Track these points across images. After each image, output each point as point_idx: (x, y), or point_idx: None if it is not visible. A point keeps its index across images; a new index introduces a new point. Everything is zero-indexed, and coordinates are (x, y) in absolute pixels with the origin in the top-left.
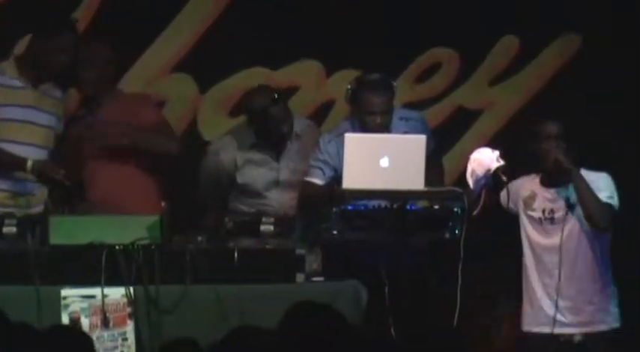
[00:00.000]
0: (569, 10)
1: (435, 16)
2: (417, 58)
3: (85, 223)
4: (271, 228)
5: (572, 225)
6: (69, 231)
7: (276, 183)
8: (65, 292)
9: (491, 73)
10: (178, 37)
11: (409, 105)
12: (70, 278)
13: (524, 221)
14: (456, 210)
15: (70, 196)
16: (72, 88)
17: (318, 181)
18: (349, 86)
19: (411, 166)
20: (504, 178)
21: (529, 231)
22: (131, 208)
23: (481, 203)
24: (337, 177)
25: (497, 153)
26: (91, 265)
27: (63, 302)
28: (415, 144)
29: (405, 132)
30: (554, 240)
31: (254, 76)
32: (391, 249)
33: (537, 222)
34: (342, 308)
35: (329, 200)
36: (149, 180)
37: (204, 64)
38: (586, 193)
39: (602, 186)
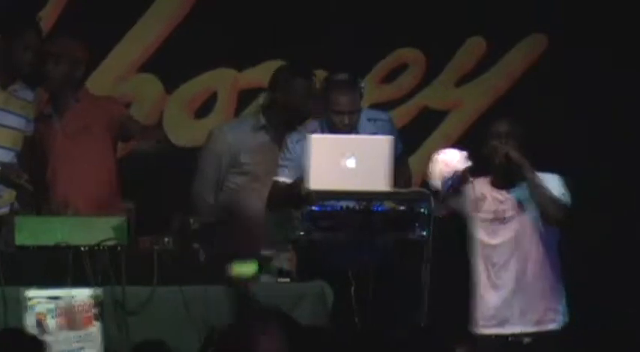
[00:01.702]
0: (536, 11)
1: (401, 16)
2: (383, 59)
3: (51, 224)
4: None
5: (523, 224)
6: (35, 231)
7: (276, 170)
8: (31, 293)
9: (458, 74)
10: (144, 37)
11: (375, 106)
12: (35, 279)
13: (473, 222)
14: (422, 210)
15: (35, 198)
16: (40, 88)
17: (287, 180)
18: (317, 85)
19: (377, 167)
20: (471, 179)
21: (478, 232)
22: (95, 209)
23: (447, 204)
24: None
25: (464, 153)
26: (57, 266)
27: (29, 303)
28: (382, 145)
29: (373, 133)
30: (504, 239)
31: (220, 77)
32: (357, 249)
33: (487, 223)
34: (308, 308)
35: (295, 200)
36: (113, 180)
37: (170, 65)
38: (538, 188)
39: (554, 185)
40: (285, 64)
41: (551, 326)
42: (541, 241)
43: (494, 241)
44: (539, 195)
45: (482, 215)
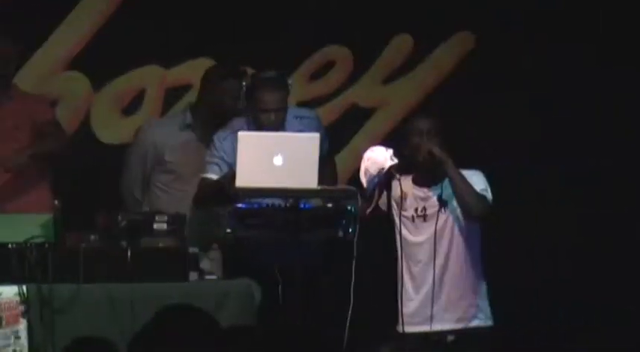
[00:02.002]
0: (463, 9)
1: (328, 13)
2: (310, 56)
3: None
4: (164, 226)
5: (445, 221)
6: None
7: (203, 170)
8: None
9: (385, 71)
10: (72, 34)
11: (303, 104)
12: None
13: (396, 221)
14: (349, 208)
15: None
16: None
17: (215, 177)
18: (244, 83)
19: (304, 164)
20: (398, 176)
21: (401, 230)
22: (22, 206)
23: (374, 201)
24: (233, 174)
25: (390, 151)
26: None
27: None
28: (309, 143)
29: (300, 131)
30: (426, 236)
31: (147, 74)
32: (285, 247)
33: (409, 221)
34: (234, 306)
35: (222, 197)
36: (40, 177)
37: (98, 62)
38: (461, 183)
39: (476, 181)
40: (215, 63)
41: (475, 323)
42: (462, 238)
43: (416, 239)
44: (462, 190)
45: (404, 212)
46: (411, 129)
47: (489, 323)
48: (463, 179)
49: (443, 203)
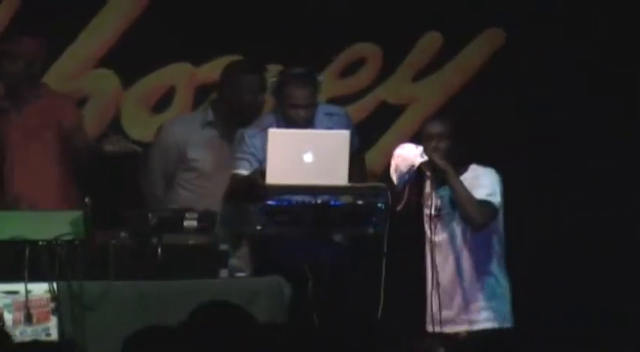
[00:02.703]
0: (493, 6)
1: (358, 10)
2: (340, 54)
3: (7, 218)
4: (194, 223)
5: (457, 222)
6: None
7: (225, 167)
8: None
9: (415, 69)
10: (101, 32)
11: (332, 101)
12: None
13: (425, 218)
14: (379, 205)
15: None
16: None
17: (246, 173)
18: (274, 79)
19: (334, 161)
20: (428, 174)
21: (427, 229)
22: (51, 202)
23: (405, 199)
24: (264, 170)
25: (420, 148)
26: (13, 261)
27: None
28: (339, 140)
29: (329, 128)
30: (443, 237)
31: (177, 72)
32: (314, 244)
33: (430, 219)
34: (264, 304)
35: (252, 192)
36: (68, 175)
37: (127, 60)
38: (462, 193)
39: (485, 182)
40: (235, 59)
41: (487, 325)
42: (473, 241)
43: (436, 238)
44: (463, 200)
45: (427, 211)
46: (423, 134)
47: (504, 325)
48: (464, 189)
49: (453, 205)
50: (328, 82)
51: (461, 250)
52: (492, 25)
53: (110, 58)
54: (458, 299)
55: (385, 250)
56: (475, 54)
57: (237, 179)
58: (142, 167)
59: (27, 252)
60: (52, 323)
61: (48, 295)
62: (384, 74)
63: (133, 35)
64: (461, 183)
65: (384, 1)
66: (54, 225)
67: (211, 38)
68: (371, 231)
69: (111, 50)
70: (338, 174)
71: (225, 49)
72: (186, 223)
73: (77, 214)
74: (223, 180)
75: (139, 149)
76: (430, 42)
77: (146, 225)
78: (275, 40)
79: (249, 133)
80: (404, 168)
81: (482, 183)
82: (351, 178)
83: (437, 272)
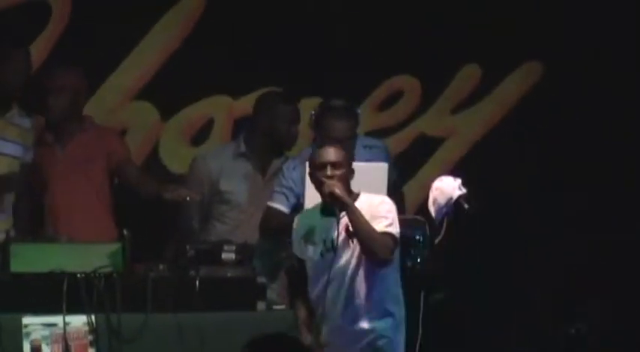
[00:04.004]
0: (531, 38)
1: (396, 43)
2: (378, 86)
3: (46, 251)
4: (232, 256)
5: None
6: (30, 258)
7: (259, 199)
8: (27, 320)
9: (453, 101)
10: (140, 64)
11: (371, 133)
12: (31, 307)
13: None
14: (417, 237)
15: (32, 225)
16: (37, 115)
17: (282, 207)
18: (313, 112)
19: (372, 194)
20: (466, 206)
21: None
22: (90, 235)
23: (443, 231)
24: (301, 204)
25: (459, 181)
26: (52, 293)
27: (24, 330)
28: (377, 172)
29: (368, 160)
30: None
31: (216, 104)
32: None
33: None
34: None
35: (286, 227)
36: (109, 208)
37: (166, 92)
38: (362, 228)
39: (382, 211)
40: (268, 90)
41: None
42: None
43: None
44: (363, 235)
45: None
46: (314, 163)
47: None
48: (364, 224)
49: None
50: (367, 114)
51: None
52: (531, 59)
53: (149, 90)
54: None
55: (424, 283)
56: (513, 87)
57: (271, 213)
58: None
59: (65, 284)
60: None
61: (86, 327)
62: (423, 106)
63: (171, 67)
64: (362, 216)
65: (423, 33)
66: (93, 257)
67: (250, 70)
68: (409, 263)
69: (150, 82)
70: None
71: (264, 82)
72: (224, 255)
73: (116, 247)
74: (257, 212)
75: (195, 196)
76: (469, 74)
77: (184, 258)
78: (314, 73)
79: (288, 166)
80: (442, 200)
81: (379, 211)
82: None
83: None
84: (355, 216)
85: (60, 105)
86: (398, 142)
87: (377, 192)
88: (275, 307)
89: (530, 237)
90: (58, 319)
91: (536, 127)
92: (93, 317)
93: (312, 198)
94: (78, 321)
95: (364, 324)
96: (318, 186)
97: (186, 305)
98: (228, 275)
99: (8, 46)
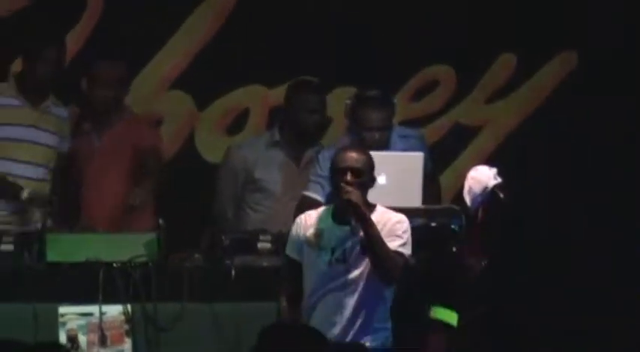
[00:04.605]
0: (567, 28)
1: (432, 33)
2: (414, 76)
3: (82, 240)
4: (268, 245)
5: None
6: (66, 248)
7: (293, 188)
8: (63, 309)
9: (489, 91)
10: (176, 54)
11: (406, 123)
12: (67, 296)
13: None
14: (453, 227)
15: (69, 215)
16: (73, 105)
17: (317, 196)
18: (348, 101)
19: (408, 184)
20: (502, 195)
21: None
22: (128, 225)
23: (478, 220)
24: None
25: (494, 170)
26: (88, 283)
27: (60, 319)
28: (413, 162)
29: (404, 150)
30: None
31: (251, 94)
32: None
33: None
34: None
35: None
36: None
37: (202, 82)
38: (376, 245)
39: (399, 230)
40: (296, 79)
41: None
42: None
43: None
44: (376, 252)
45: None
46: (335, 164)
47: None
48: (379, 239)
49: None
50: (402, 104)
51: None
52: (566, 48)
53: (185, 80)
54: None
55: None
56: (549, 76)
57: (306, 202)
58: (213, 189)
59: (101, 274)
60: (127, 345)
61: (122, 317)
62: (458, 96)
63: (207, 57)
64: (378, 231)
65: (458, 23)
66: (128, 247)
67: (285, 60)
68: (445, 252)
69: (185, 72)
70: (412, 196)
71: (299, 71)
72: (259, 245)
73: (151, 236)
74: (292, 201)
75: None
76: (504, 64)
77: (220, 247)
78: (349, 63)
79: (323, 155)
80: (477, 190)
81: (396, 231)
82: (424, 200)
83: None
84: (372, 230)
85: (105, 97)
86: (433, 132)
87: (413, 181)
88: None
89: (566, 231)
90: (94, 308)
91: (571, 117)
92: (129, 306)
93: None
94: (114, 311)
95: (366, 340)
96: (336, 190)
97: (222, 295)
98: (264, 264)
99: (42, 40)
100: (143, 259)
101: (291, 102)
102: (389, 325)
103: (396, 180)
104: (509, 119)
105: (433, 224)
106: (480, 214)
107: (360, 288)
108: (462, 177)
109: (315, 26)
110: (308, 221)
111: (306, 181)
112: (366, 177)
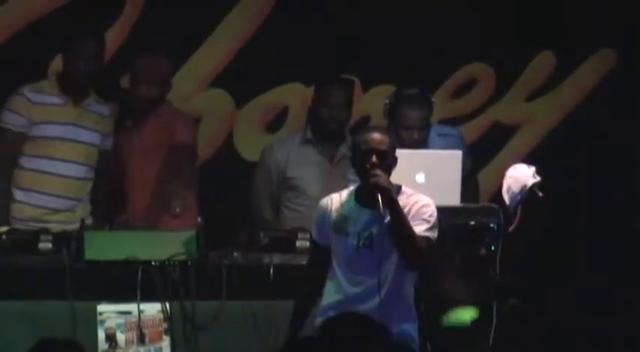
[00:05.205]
0: (605, 26)
1: (470, 31)
2: (453, 74)
3: (121, 239)
4: (307, 243)
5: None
6: (104, 246)
7: (327, 185)
8: (101, 308)
9: (528, 89)
10: (215, 52)
11: (445, 121)
12: (105, 294)
13: None
14: (491, 226)
15: (112, 213)
16: (113, 102)
17: None
18: (387, 100)
19: (447, 182)
20: (540, 194)
21: None
22: (164, 223)
23: (517, 220)
24: None
25: (533, 169)
26: (126, 281)
27: (99, 317)
28: (451, 160)
29: (443, 149)
30: None
31: (290, 92)
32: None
33: None
34: None
35: None
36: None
37: (241, 80)
38: (402, 229)
39: (425, 214)
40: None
41: None
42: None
43: None
44: (404, 234)
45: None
46: (357, 146)
47: None
48: (407, 222)
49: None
50: (441, 102)
51: None
52: (605, 46)
53: (224, 78)
54: None
55: (498, 271)
56: (588, 74)
57: None
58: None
59: (140, 272)
60: (165, 343)
61: (161, 315)
62: (497, 94)
63: (246, 55)
64: (406, 217)
65: (497, 21)
66: (167, 245)
67: (324, 58)
68: (483, 251)
69: (225, 70)
70: (450, 195)
71: (339, 69)
72: (298, 243)
73: (190, 234)
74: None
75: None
76: (543, 62)
77: (258, 245)
78: (388, 61)
79: None
80: (516, 188)
81: (423, 214)
82: (463, 199)
83: None
84: (400, 215)
85: (149, 94)
86: (472, 130)
87: (451, 180)
88: None
89: (605, 227)
90: (132, 307)
91: (610, 115)
92: (167, 304)
93: None
94: (152, 309)
95: (393, 325)
96: (361, 173)
97: (261, 293)
98: (303, 263)
99: (80, 37)
100: (182, 257)
101: (314, 97)
102: (414, 313)
103: (434, 179)
104: (549, 117)
105: (472, 222)
106: (518, 213)
107: (394, 274)
108: (501, 176)
109: (356, 24)
110: (332, 205)
111: (339, 178)
112: (390, 158)
